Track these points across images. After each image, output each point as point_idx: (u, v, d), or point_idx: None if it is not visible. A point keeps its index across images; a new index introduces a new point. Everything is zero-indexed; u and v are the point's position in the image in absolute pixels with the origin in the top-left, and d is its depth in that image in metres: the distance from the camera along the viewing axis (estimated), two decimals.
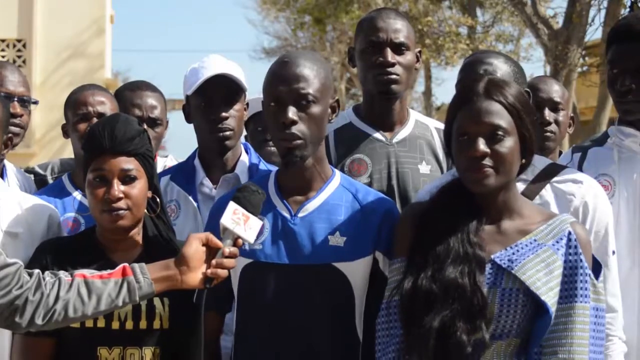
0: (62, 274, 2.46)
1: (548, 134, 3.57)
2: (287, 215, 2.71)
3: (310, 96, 2.65)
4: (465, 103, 2.50)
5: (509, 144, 2.46)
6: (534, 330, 2.47)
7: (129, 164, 2.71)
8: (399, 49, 3.36)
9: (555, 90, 3.62)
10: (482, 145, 2.44)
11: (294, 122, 2.64)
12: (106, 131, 2.70)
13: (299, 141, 2.64)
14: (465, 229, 2.48)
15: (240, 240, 2.51)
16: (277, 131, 2.66)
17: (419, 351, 2.40)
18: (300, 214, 2.71)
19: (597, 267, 2.55)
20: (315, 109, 2.67)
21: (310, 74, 2.67)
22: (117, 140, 2.69)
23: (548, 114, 3.59)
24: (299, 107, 2.65)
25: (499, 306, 2.43)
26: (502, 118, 2.46)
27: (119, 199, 2.69)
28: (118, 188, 2.69)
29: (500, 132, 2.45)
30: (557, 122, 3.61)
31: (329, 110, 2.73)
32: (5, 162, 3.53)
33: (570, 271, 2.47)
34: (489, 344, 2.43)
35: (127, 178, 2.71)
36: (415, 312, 2.43)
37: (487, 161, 2.45)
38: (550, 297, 2.43)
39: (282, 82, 2.66)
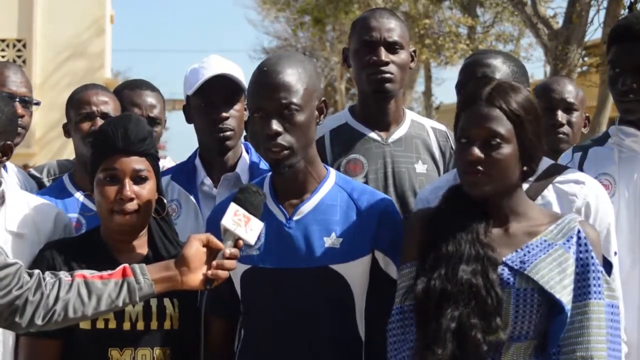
0: (62, 274, 2.46)
1: (561, 135, 3.56)
2: (282, 219, 2.70)
3: (294, 105, 2.60)
4: (469, 106, 2.51)
5: (505, 151, 2.45)
6: (550, 330, 2.47)
7: (141, 164, 2.72)
8: (392, 47, 3.35)
9: (568, 90, 3.61)
10: (476, 150, 2.45)
11: (278, 134, 2.59)
12: (119, 131, 2.70)
13: (285, 152, 2.61)
14: (474, 230, 2.48)
15: (241, 242, 2.51)
16: (262, 141, 2.63)
17: (435, 350, 2.38)
18: (295, 217, 2.69)
19: (607, 266, 2.55)
20: (299, 117, 2.62)
21: (292, 81, 2.61)
22: (131, 140, 2.70)
23: (561, 115, 3.57)
24: (282, 117, 2.60)
25: (515, 307, 2.43)
26: (500, 125, 2.45)
27: (131, 199, 2.69)
28: (131, 188, 2.70)
29: (497, 139, 2.45)
30: (570, 123, 3.60)
31: (316, 112, 2.69)
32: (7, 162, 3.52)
33: (582, 269, 2.48)
34: (508, 344, 2.43)
35: (138, 178, 2.72)
36: (429, 313, 2.42)
37: (481, 166, 2.45)
38: (564, 295, 2.43)
39: (263, 92, 2.61)
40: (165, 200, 2.85)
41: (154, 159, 2.77)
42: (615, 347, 2.48)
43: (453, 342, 2.38)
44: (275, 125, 2.59)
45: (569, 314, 2.43)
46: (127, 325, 2.70)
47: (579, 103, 3.62)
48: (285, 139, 2.60)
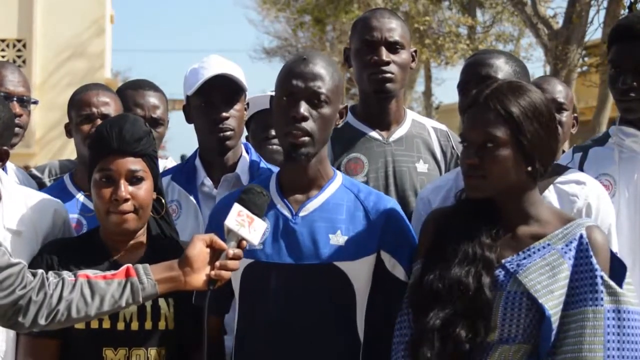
0: (66, 274, 2.46)
1: None
2: (288, 214, 2.71)
3: (324, 96, 2.67)
4: (468, 108, 2.51)
5: (502, 154, 2.45)
6: (540, 335, 2.45)
7: (136, 164, 2.71)
8: (393, 47, 3.36)
9: (559, 90, 3.62)
10: (471, 154, 2.46)
11: (304, 118, 2.64)
12: (114, 131, 2.70)
13: (306, 138, 2.65)
14: (478, 232, 2.48)
15: (244, 242, 2.51)
16: (285, 125, 2.66)
17: (424, 351, 2.40)
18: (302, 213, 2.70)
19: (621, 269, 2.49)
20: (326, 110, 2.68)
21: (327, 75, 2.69)
22: (125, 140, 2.69)
23: None
24: (311, 104, 2.66)
25: (503, 309, 2.43)
26: (495, 128, 2.44)
27: (126, 200, 2.69)
28: (125, 189, 2.69)
29: (492, 142, 2.44)
30: (560, 122, 3.61)
31: (337, 115, 2.74)
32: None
33: (579, 275, 2.45)
34: (495, 346, 2.43)
35: (134, 179, 2.71)
36: (422, 310, 2.44)
37: (477, 170, 2.45)
38: (549, 300, 2.41)
39: (298, 77, 2.67)
40: (164, 200, 2.85)
41: (150, 159, 2.76)
42: (625, 355, 2.41)
43: (439, 341, 2.39)
44: (304, 109, 2.65)
45: (552, 320, 2.41)
46: (121, 325, 2.69)
47: (568, 103, 3.63)
48: (309, 125, 2.65)
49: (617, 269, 2.48)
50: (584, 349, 2.40)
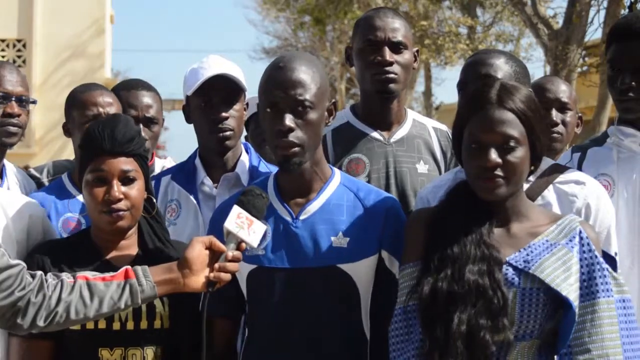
0: (65, 275, 2.46)
1: (555, 134, 3.57)
2: (288, 218, 2.70)
3: (307, 102, 2.62)
4: (478, 110, 2.48)
5: (520, 154, 2.45)
6: (560, 329, 2.47)
7: (129, 164, 2.71)
8: (396, 48, 3.36)
9: (562, 90, 3.62)
10: (494, 155, 2.43)
11: (290, 130, 2.60)
12: (106, 132, 2.70)
13: (296, 149, 2.62)
14: (478, 230, 2.47)
15: (243, 244, 2.51)
16: (274, 137, 2.63)
17: (447, 353, 2.38)
18: (302, 217, 2.70)
19: (611, 261, 2.56)
20: (312, 115, 2.63)
21: (307, 79, 2.63)
22: (118, 141, 2.69)
23: (555, 114, 3.58)
24: (295, 113, 2.61)
25: (520, 306, 2.43)
26: (514, 128, 2.44)
27: (120, 199, 2.69)
28: (119, 189, 2.69)
29: (512, 143, 2.44)
30: (564, 122, 3.61)
31: (326, 113, 2.71)
32: (5, 162, 3.52)
33: (588, 268, 2.48)
34: (514, 344, 2.43)
35: (126, 179, 2.71)
36: (436, 314, 2.41)
37: (499, 171, 2.44)
38: (571, 292, 2.43)
39: (277, 88, 2.62)
40: (154, 200, 2.85)
41: (142, 159, 2.76)
42: (633, 341, 2.46)
43: (463, 345, 2.37)
44: (288, 121, 2.60)
45: (577, 312, 2.43)
46: (116, 325, 2.69)
47: (572, 102, 3.63)
48: (296, 136, 2.61)
49: (608, 262, 2.54)
50: (606, 339, 2.43)
